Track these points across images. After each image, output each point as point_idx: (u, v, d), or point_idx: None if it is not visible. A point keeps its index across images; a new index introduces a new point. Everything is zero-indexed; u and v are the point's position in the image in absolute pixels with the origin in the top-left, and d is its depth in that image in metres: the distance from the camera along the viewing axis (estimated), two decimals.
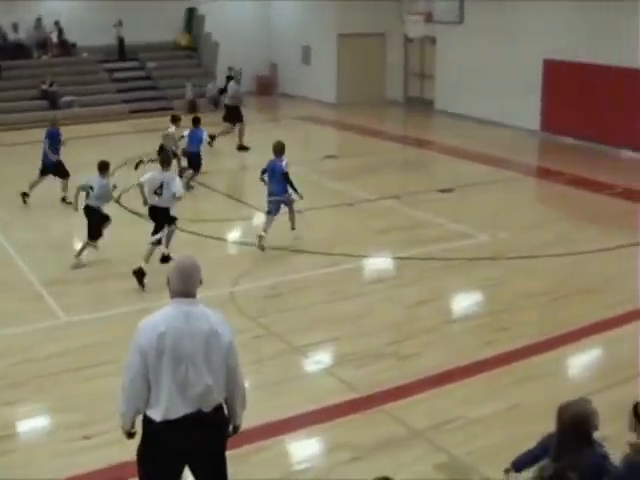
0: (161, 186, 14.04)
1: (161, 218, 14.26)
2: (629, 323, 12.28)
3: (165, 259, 14.28)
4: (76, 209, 15.38)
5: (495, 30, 28.12)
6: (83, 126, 28.05)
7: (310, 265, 14.59)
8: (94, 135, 26.95)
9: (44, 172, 18.87)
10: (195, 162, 20.46)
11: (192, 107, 32.09)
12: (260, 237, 15.26)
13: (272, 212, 15.70)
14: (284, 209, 15.96)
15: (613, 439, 7.88)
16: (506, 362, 10.93)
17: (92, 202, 14.80)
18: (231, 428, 6.63)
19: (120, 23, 33.60)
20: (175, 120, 20.86)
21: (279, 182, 15.68)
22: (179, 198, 14.21)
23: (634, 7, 23.43)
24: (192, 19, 36.43)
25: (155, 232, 14.25)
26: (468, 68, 29.26)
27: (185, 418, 6.20)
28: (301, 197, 15.97)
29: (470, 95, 28.73)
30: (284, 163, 15.72)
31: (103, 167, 14.96)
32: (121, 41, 34.10)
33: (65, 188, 18.74)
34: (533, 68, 26.87)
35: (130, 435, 6.50)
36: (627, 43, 23.71)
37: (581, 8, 25.20)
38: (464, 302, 13.56)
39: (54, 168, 18.84)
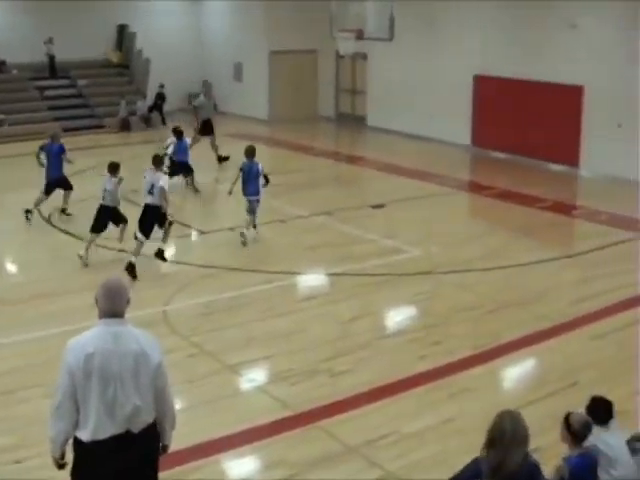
0: (152, 186, 15.15)
1: (153, 216, 15.25)
2: (561, 335, 12.46)
3: (160, 254, 15.50)
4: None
5: (426, 46, 28.39)
6: (14, 145, 27.66)
7: (244, 283, 14.52)
8: (26, 154, 26.54)
9: (49, 189, 18.70)
10: (186, 168, 21.40)
11: (125, 125, 31.88)
12: (242, 234, 16.81)
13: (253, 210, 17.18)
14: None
15: (547, 450, 7.98)
16: (440, 376, 10.99)
17: (107, 202, 15.87)
18: (160, 447, 6.58)
19: (51, 40, 33.14)
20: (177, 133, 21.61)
21: (255, 183, 17.11)
22: (162, 188, 15.04)
23: (559, 25, 23.86)
24: (123, 36, 36.17)
25: (142, 230, 15.18)
26: (400, 84, 29.47)
27: (113, 439, 6.15)
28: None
29: (402, 111, 28.93)
30: (260, 166, 17.23)
31: (113, 168, 16.08)
32: (52, 58, 33.62)
33: (67, 200, 18.86)
34: (463, 84, 27.15)
35: (60, 466, 6.39)
36: (553, 59, 24.14)
37: (510, 25, 25.57)
38: (397, 317, 13.62)
39: (59, 183, 18.81)
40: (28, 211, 18.52)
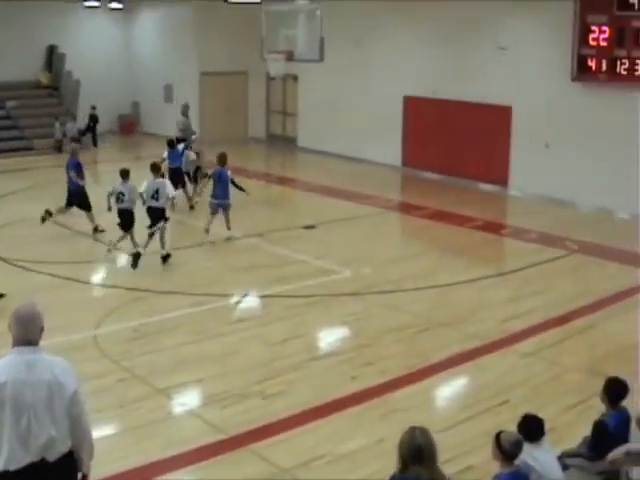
0: (157, 191, 16.96)
1: (158, 217, 17.08)
2: (491, 353, 12.55)
3: (166, 258, 17.02)
4: (110, 209, 17.87)
5: (356, 67, 28.55)
6: None
7: (174, 306, 14.39)
8: None
9: (70, 203, 19.62)
10: (180, 176, 21.84)
11: (59, 146, 31.54)
12: (206, 230, 18.35)
13: (214, 212, 18.66)
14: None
15: (479, 468, 8.01)
16: (372, 396, 10.98)
17: (125, 205, 17.45)
18: (80, 477, 6.42)
19: None
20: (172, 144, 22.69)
21: (223, 188, 18.50)
22: (173, 198, 17.21)
23: (488, 46, 24.18)
24: (53, 57, 35.82)
25: (152, 226, 17.14)
26: (330, 105, 29.61)
27: (28, 468, 6.01)
28: (248, 194, 19.58)
29: (332, 132, 29.04)
30: (229, 172, 18.74)
31: (125, 174, 17.67)
32: None
33: (92, 219, 19.57)
34: (394, 104, 27.34)
35: None
36: (482, 80, 24.45)
37: (439, 46, 25.85)
38: (329, 338, 13.62)
39: (78, 196, 19.56)
40: (48, 213, 19.48)
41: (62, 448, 6.14)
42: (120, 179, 17.61)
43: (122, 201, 17.47)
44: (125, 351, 12.49)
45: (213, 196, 18.81)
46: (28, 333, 6.11)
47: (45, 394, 6.01)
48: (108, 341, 12.86)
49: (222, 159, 18.85)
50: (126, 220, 17.55)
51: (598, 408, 8.41)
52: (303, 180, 26.25)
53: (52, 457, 6.08)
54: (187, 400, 11.03)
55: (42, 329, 6.24)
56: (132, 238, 17.44)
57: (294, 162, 30.86)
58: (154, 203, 17.07)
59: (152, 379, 11.42)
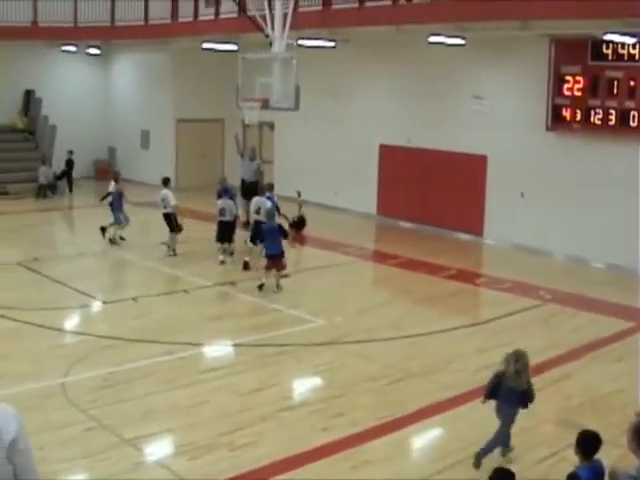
0: (162, 199, 21.59)
1: (171, 221, 21.48)
2: (465, 404, 12.41)
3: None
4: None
5: (331, 117, 28.69)
6: None
7: (145, 354, 14.21)
8: None
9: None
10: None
11: (43, 192, 31.52)
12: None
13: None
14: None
15: None
16: (342, 448, 10.82)
17: (168, 210, 21.59)
18: None
19: None
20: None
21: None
22: (173, 207, 21.53)
23: (463, 95, 24.36)
24: (29, 101, 35.82)
25: (172, 230, 21.56)
26: (306, 153, 29.69)
27: None
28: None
29: (308, 180, 28.99)
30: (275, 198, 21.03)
31: (167, 181, 22.24)
32: None
33: (173, 242, 22.01)
34: (369, 153, 27.43)
35: None
36: (457, 129, 24.61)
37: (415, 95, 26.04)
38: (300, 388, 13.49)
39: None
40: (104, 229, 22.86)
41: None
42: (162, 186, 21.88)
43: (165, 207, 21.67)
44: (93, 400, 12.30)
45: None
46: None
47: None
48: (76, 389, 12.68)
49: (268, 187, 21.27)
50: (169, 222, 21.68)
51: (572, 460, 8.32)
52: None
53: None
54: (155, 450, 10.86)
55: None
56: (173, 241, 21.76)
57: None
58: (163, 210, 21.75)
59: (120, 429, 11.24)
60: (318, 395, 13.00)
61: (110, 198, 23.32)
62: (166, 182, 22.25)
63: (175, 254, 21.78)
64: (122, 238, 23.10)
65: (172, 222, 21.72)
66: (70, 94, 36.06)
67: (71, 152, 33.17)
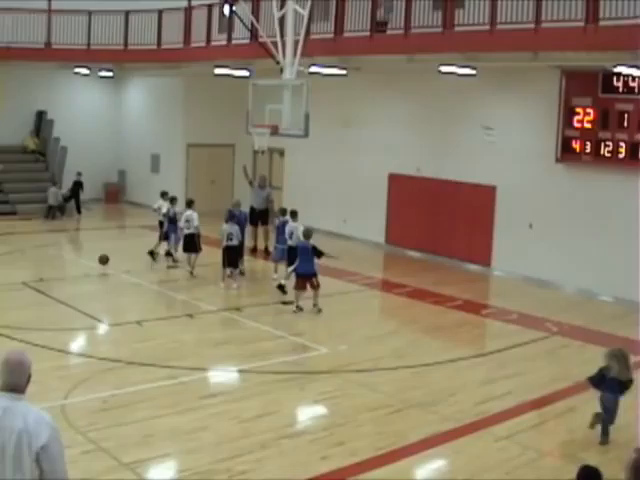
0: (187, 220, 22.49)
1: (194, 241, 22.34)
2: (466, 435, 12.35)
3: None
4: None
5: (341, 144, 28.74)
6: None
7: (145, 378, 14.16)
8: None
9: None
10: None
11: (52, 213, 31.65)
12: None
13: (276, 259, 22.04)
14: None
15: None
16: (341, 477, 10.76)
17: (192, 230, 22.64)
18: None
19: None
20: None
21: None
22: (196, 227, 22.46)
23: (473, 126, 24.38)
24: (41, 123, 35.99)
25: (194, 250, 22.40)
26: (315, 180, 29.71)
27: None
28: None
29: (317, 208, 28.95)
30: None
31: (191, 203, 23.06)
32: None
33: (193, 262, 22.78)
34: (378, 182, 27.44)
35: None
36: (467, 159, 24.61)
37: (425, 125, 26.07)
38: (301, 416, 13.39)
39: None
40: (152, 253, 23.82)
41: None
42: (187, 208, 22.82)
43: (188, 227, 22.60)
44: (92, 423, 12.24)
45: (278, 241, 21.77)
46: (13, 379, 6.23)
47: (14, 441, 6.07)
48: (76, 412, 12.61)
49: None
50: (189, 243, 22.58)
51: None
52: None
53: None
54: (153, 475, 10.81)
55: (29, 377, 6.35)
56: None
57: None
58: (186, 230, 22.46)
59: (118, 453, 11.18)
60: (319, 423, 12.89)
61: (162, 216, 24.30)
62: (190, 203, 23.03)
63: (193, 275, 22.24)
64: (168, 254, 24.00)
65: (195, 242, 22.56)
66: (82, 116, 36.25)
67: (80, 174, 33.24)
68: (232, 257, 21.11)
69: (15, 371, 6.24)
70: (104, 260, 22.54)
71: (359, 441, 11.91)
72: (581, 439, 12.38)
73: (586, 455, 10.82)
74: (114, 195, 37.42)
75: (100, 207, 35.62)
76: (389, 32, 22.93)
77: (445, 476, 11.26)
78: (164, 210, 24.05)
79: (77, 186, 33.29)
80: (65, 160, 34.84)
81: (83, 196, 33.57)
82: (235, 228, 21.19)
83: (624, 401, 12.46)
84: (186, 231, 22.63)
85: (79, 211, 33.00)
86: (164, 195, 24.60)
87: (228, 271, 21.15)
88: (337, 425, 12.52)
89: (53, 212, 31.87)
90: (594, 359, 16.14)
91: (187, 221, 22.62)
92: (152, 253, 24.00)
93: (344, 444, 11.78)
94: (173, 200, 24.09)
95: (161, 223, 24.32)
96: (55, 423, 6.32)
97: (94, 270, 22.50)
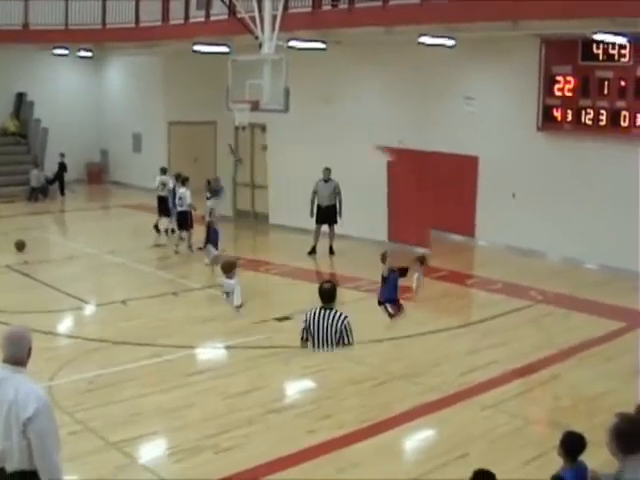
0: (180, 198, 22.60)
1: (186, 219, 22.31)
2: (451, 406, 12.39)
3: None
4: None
5: (322, 119, 28.53)
6: None
7: (131, 357, 14.20)
8: None
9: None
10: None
11: (35, 195, 31.60)
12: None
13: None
14: None
15: None
16: (328, 450, 10.78)
17: (184, 208, 22.87)
18: None
19: None
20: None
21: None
22: (189, 205, 22.51)
23: (454, 96, 24.36)
24: (21, 105, 35.82)
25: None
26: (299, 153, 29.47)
27: None
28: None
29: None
30: None
31: (185, 180, 23.07)
32: None
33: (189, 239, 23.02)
34: (362, 155, 27.32)
35: None
36: (448, 130, 24.57)
37: (405, 97, 25.96)
38: (287, 391, 13.43)
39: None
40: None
41: (16, 465, 6.50)
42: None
43: (181, 205, 22.44)
44: (79, 403, 12.26)
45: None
46: (14, 352, 6.60)
47: (5, 411, 6.45)
48: (62, 393, 12.63)
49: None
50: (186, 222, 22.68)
51: (559, 462, 8.29)
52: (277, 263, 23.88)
53: (9, 468, 6.50)
54: (140, 454, 10.83)
55: (30, 350, 6.74)
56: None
57: (267, 239, 30.70)
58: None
59: (105, 432, 11.21)
60: (304, 397, 12.94)
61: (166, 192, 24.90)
62: (184, 181, 23.28)
63: (192, 250, 22.58)
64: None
65: (188, 220, 22.76)
66: (62, 97, 36.07)
67: (63, 155, 33.19)
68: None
69: (16, 344, 6.61)
70: (20, 246, 22.20)
71: (345, 414, 11.94)
72: (567, 406, 12.44)
73: (571, 421, 10.86)
74: (97, 175, 37.31)
75: (83, 188, 35.53)
76: (367, 4, 22.83)
77: (431, 446, 11.32)
78: (170, 185, 24.11)
79: (61, 168, 33.21)
80: (47, 142, 34.75)
81: (67, 177, 33.49)
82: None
83: (607, 368, 12.54)
84: (179, 209, 22.93)
85: (62, 193, 32.92)
86: (165, 171, 24.64)
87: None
88: (323, 398, 12.57)
89: (36, 194, 31.82)
90: (578, 327, 16.41)
91: (180, 199, 22.83)
92: (157, 227, 24.65)
93: (330, 417, 11.81)
94: (178, 177, 24.16)
95: (161, 199, 24.37)
96: (47, 398, 6.62)
97: (78, 252, 22.48)
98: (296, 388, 13.48)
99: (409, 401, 12.43)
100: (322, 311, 12.82)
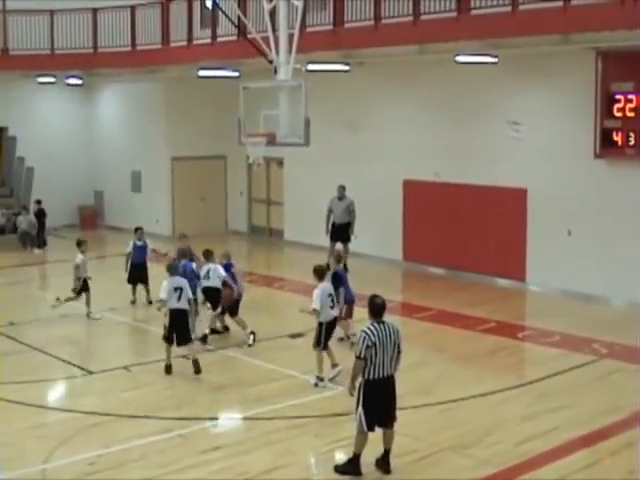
0: (207, 272, 19.80)
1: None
2: None
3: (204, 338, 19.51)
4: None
5: (345, 150, 28.69)
6: None
7: (137, 433, 14.19)
8: None
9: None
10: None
11: (24, 241, 31.83)
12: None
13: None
14: None
15: None
16: None
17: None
18: None
19: None
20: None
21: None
22: (222, 279, 19.83)
23: (498, 122, 24.38)
24: (2, 141, 36.04)
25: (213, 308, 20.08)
26: (318, 194, 29.47)
27: None
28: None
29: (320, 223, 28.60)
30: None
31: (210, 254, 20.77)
32: None
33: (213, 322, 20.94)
34: (392, 189, 27.41)
35: None
36: (491, 160, 24.61)
37: (441, 124, 26.06)
38: (315, 469, 13.46)
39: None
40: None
41: None
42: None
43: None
44: None
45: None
46: None
47: None
48: (59, 476, 12.66)
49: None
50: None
51: None
52: (290, 279, 26.18)
53: None
54: None
55: None
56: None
57: (279, 257, 30.88)
58: (206, 283, 19.98)
59: None
60: (338, 476, 12.87)
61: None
62: (209, 255, 20.39)
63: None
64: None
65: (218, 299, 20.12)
66: (49, 131, 36.34)
67: (39, 202, 33.21)
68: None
69: None
70: None
71: None
72: None
73: None
74: (91, 220, 37.50)
75: (75, 234, 35.58)
76: (396, 20, 22.92)
77: None
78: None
79: (39, 215, 33.16)
80: (32, 183, 34.86)
81: (52, 223, 33.64)
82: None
83: None
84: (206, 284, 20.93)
85: (45, 243, 32.91)
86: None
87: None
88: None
89: (30, 239, 32.01)
90: None
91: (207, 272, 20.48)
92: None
93: None
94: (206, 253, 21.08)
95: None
96: None
97: (72, 309, 22.48)
98: (327, 466, 13.36)
99: (458, 478, 12.37)
100: (380, 326, 12.69)
